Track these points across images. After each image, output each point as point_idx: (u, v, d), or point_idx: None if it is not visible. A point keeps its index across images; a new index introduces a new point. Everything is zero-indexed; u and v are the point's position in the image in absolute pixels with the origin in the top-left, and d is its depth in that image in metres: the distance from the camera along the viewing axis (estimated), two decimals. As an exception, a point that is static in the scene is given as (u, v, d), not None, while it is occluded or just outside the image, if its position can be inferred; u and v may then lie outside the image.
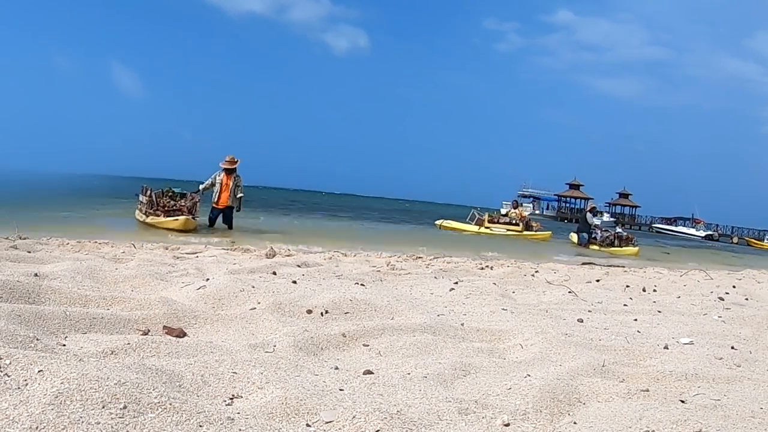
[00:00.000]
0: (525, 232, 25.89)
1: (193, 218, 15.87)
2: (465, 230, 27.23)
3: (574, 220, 72.98)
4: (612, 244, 24.32)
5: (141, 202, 17.05)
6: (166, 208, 15.97)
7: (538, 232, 26.49)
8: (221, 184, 16.76)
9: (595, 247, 24.14)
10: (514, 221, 26.80)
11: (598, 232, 25.30)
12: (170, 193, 16.58)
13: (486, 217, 27.42)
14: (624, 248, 23.99)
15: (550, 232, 26.68)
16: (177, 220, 15.23)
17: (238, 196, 16.86)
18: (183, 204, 16.10)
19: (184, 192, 16.75)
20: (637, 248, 24.18)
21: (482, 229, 26.67)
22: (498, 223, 26.97)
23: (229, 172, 16.85)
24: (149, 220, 15.95)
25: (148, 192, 16.52)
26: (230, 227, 16.79)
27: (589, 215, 25.91)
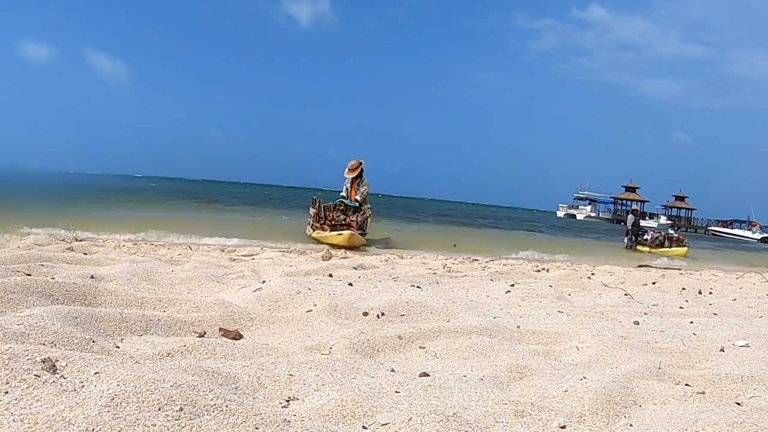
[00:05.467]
0: (660, 249, 24.72)
1: (363, 234, 14.87)
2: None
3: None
4: (662, 245, 24.08)
5: (311, 215, 16.15)
6: (333, 222, 15.06)
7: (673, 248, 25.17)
8: (348, 192, 15.91)
9: (645, 249, 23.93)
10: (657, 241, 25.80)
11: (649, 233, 25.07)
12: (341, 207, 15.58)
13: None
14: (672, 249, 23.68)
15: (686, 249, 24.52)
16: (341, 234, 14.11)
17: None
18: (353, 219, 15.07)
19: (357, 205, 15.52)
20: (685, 249, 23.77)
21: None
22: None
23: (354, 178, 15.85)
24: (314, 234, 15.10)
25: (317, 204, 15.85)
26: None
27: (630, 217, 25.78)
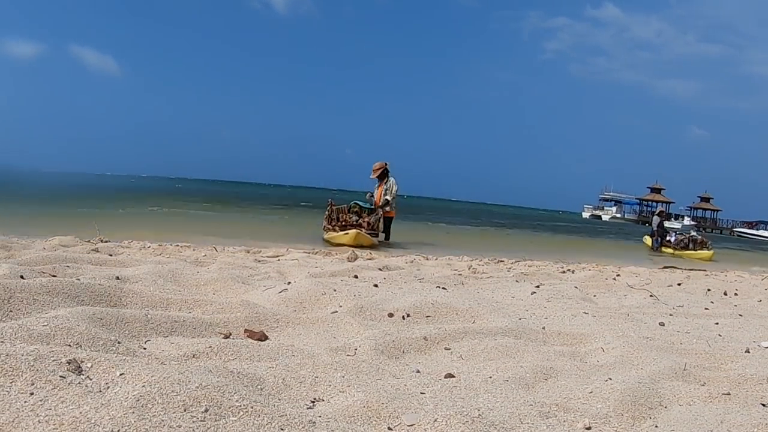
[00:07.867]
0: (685, 252, 24.20)
1: (374, 234, 15.06)
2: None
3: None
4: (686, 248, 23.69)
5: (324, 217, 16.26)
6: (344, 224, 15.28)
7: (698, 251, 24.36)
8: (376, 192, 16.17)
9: (669, 250, 23.64)
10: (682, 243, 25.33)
11: (673, 235, 24.78)
12: (356, 209, 15.87)
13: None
14: (698, 252, 23.29)
15: (711, 252, 23.88)
16: (347, 234, 14.30)
17: (384, 204, 15.85)
18: (366, 219, 15.32)
19: (372, 206, 15.87)
20: (711, 252, 23.37)
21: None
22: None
23: (380, 178, 16.15)
24: (326, 236, 15.25)
25: (330, 207, 16.08)
26: (387, 238, 15.76)
27: (655, 218, 25.47)
